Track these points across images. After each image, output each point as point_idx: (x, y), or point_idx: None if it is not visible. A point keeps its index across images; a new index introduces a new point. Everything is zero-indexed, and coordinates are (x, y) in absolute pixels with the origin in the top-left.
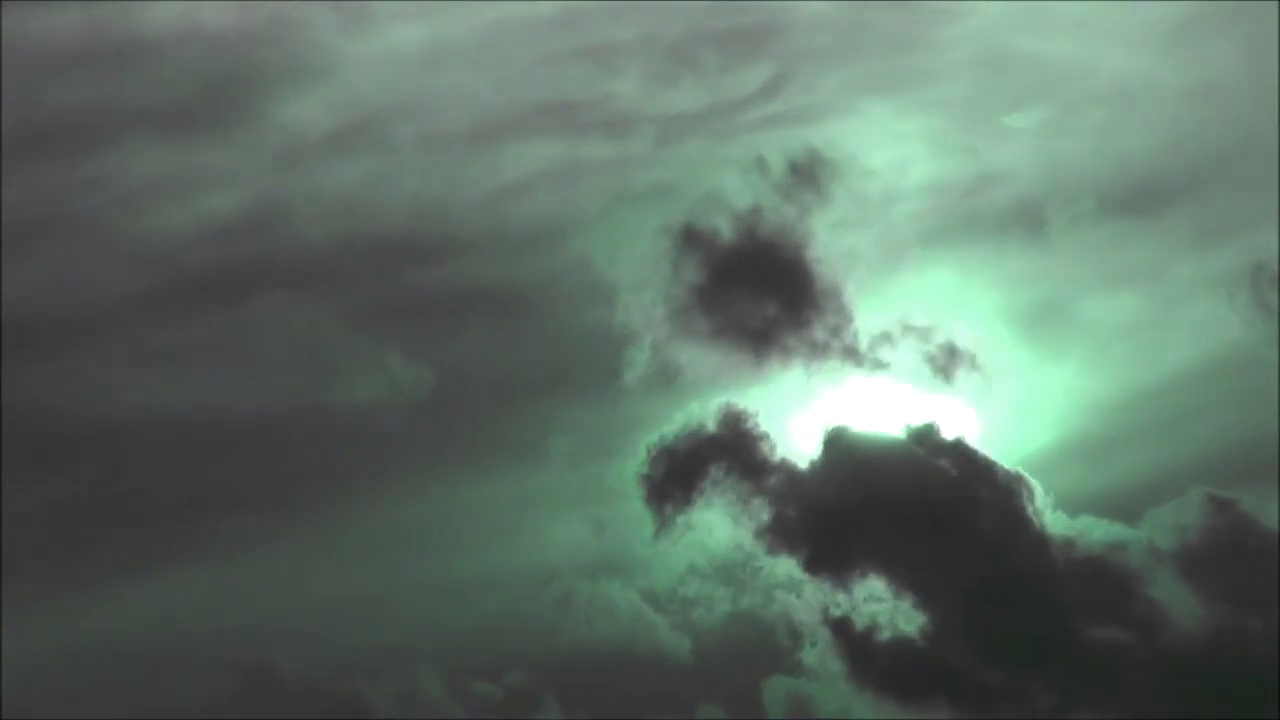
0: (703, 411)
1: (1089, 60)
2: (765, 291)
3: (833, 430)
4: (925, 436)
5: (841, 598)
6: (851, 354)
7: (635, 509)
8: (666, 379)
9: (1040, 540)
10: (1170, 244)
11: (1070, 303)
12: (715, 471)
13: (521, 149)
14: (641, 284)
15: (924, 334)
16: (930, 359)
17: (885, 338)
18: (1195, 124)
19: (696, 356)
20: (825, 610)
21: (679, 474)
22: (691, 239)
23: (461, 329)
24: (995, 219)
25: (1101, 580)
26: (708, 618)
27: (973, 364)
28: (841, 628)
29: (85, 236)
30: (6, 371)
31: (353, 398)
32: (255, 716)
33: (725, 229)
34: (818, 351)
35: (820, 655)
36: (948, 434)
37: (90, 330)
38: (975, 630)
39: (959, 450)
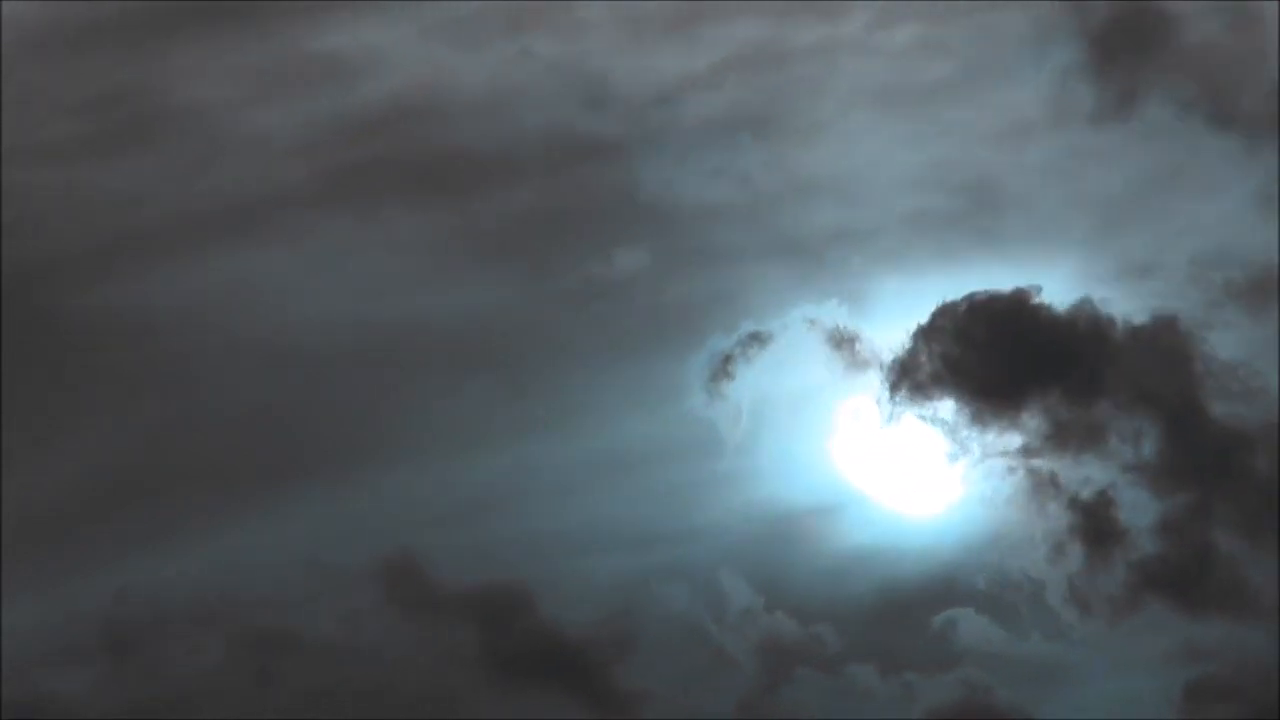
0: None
1: None
2: None
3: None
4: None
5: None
6: None
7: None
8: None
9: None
10: None
11: None
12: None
13: (720, 30)
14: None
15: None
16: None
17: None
18: None
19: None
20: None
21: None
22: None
23: (646, 231)
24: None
25: None
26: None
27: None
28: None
29: (214, 130)
30: (136, 277)
31: (505, 307)
32: (407, 619)
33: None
34: None
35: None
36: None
37: (225, 232)
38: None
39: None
